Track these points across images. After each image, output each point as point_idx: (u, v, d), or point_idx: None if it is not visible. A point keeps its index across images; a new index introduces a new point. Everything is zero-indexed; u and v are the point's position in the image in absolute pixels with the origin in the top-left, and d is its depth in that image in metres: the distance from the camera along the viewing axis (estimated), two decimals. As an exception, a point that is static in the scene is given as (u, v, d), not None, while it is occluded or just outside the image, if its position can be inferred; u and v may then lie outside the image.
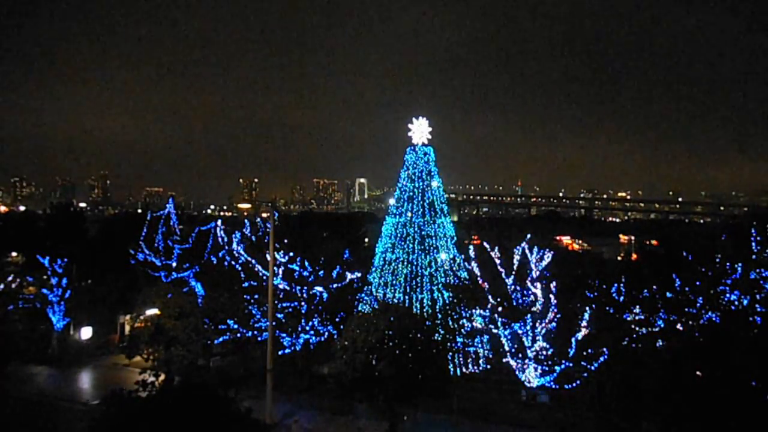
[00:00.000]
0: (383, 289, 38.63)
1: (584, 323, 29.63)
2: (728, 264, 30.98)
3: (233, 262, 37.59)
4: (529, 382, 31.76)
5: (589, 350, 29.94)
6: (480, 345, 37.51)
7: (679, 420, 23.87)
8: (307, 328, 35.63)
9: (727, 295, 30.25)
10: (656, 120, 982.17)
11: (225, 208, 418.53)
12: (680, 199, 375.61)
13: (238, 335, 35.93)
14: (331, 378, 31.76)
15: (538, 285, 31.55)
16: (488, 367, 37.47)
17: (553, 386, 31.42)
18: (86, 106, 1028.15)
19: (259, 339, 35.90)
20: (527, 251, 32.43)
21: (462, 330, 36.28)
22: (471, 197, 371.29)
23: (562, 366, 30.78)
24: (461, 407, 31.03)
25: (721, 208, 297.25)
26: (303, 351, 35.88)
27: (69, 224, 61.69)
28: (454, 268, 39.15)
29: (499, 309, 32.24)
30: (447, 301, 37.39)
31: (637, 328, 30.95)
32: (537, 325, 31.09)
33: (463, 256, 38.62)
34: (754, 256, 31.39)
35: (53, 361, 41.43)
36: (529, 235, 33.91)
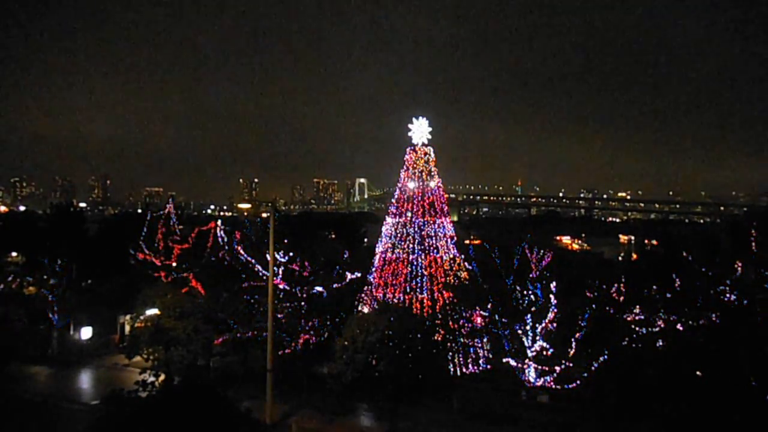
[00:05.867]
0: (383, 289, 38.62)
1: (584, 323, 29.64)
2: (728, 264, 30.98)
3: (233, 262, 37.57)
4: (529, 382, 31.76)
5: (589, 350, 29.94)
6: (480, 345, 37.52)
7: (679, 420, 23.91)
8: (307, 328, 35.61)
9: (727, 295, 30.24)
10: (656, 120, 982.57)
11: (225, 208, 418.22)
12: (680, 199, 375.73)
13: (238, 335, 35.93)
14: (331, 378, 31.75)
15: (538, 285, 31.56)
16: (488, 367, 37.49)
17: (553, 386, 31.43)
18: (86, 107, 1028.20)
19: (259, 339, 35.87)
20: (527, 251, 32.44)
21: (462, 330, 36.27)
22: (471, 197, 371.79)
23: (562, 366, 30.79)
24: (461, 407, 31.01)
25: (721, 208, 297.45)
26: (303, 351, 35.87)
27: (69, 224, 61.42)
28: (454, 268, 39.14)
29: (499, 309, 32.24)
30: (447, 301, 37.37)
31: (637, 328, 30.96)
32: (537, 325, 31.10)
33: (463, 256, 38.61)
34: (754, 256, 31.38)
35: (53, 361, 41.41)
36: (529, 235, 33.95)
